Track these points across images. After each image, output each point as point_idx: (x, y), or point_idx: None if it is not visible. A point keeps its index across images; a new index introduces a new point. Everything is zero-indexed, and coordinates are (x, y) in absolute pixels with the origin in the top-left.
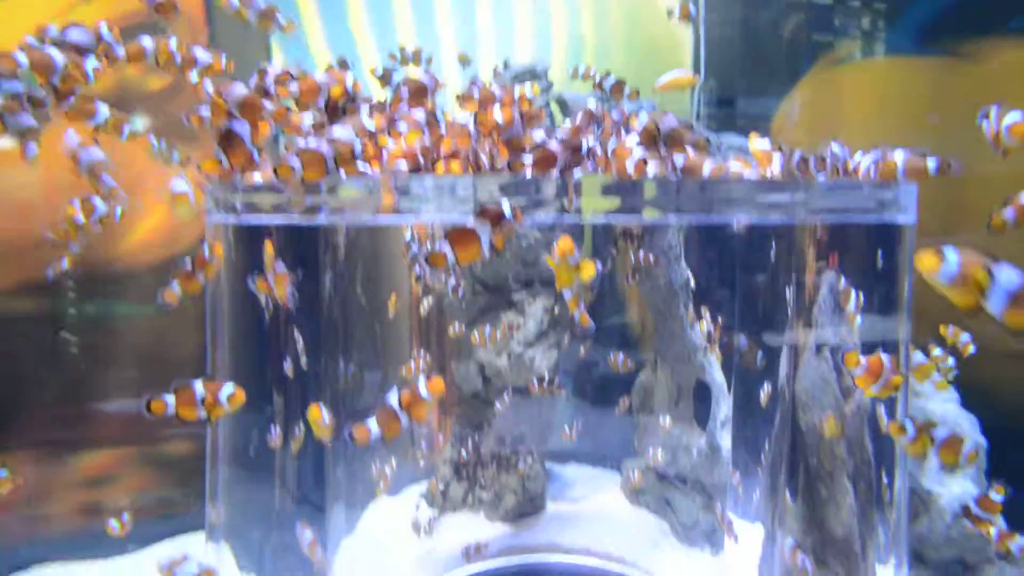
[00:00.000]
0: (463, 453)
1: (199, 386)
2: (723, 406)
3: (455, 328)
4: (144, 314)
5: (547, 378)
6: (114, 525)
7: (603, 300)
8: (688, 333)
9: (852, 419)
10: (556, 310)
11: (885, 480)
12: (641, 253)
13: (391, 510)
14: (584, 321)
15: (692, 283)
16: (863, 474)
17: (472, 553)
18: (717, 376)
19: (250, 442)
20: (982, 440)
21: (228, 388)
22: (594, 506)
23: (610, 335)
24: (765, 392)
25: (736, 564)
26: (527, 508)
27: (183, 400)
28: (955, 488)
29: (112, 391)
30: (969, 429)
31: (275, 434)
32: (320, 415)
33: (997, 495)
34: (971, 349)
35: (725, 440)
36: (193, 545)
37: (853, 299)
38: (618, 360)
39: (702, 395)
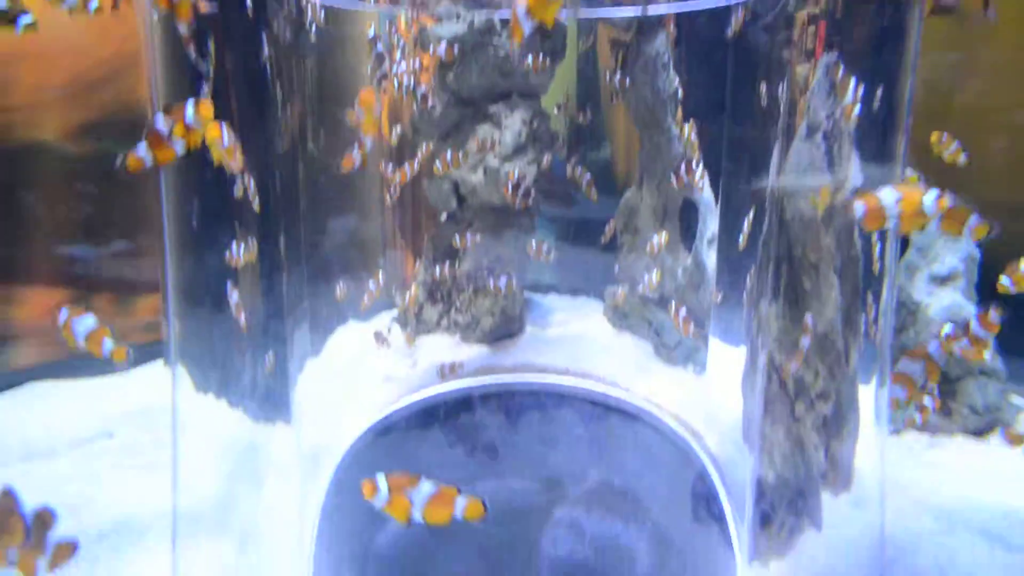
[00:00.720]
0: (437, 275)
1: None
2: (710, 224)
3: (425, 146)
4: None
5: (522, 187)
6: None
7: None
8: (676, 147)
9: (842, 210)
10: (535, 124)
11: (872, 288)
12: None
13: (361, 334)
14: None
15: (680, 93)
16: (850, 272)
17: (447, 372)
18: (705, 193)
19: (205, 263)
20: (975, 251)
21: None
22: (575, 330)
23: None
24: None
25: (719, 381)
26: (505, 330)
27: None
28: (944, 299)
29: None
30: (964, 242)
31: (235, 252)
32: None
33: (996, 315)
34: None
35: (711, 259)
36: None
37: (852, 88)
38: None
39: (689, 214)
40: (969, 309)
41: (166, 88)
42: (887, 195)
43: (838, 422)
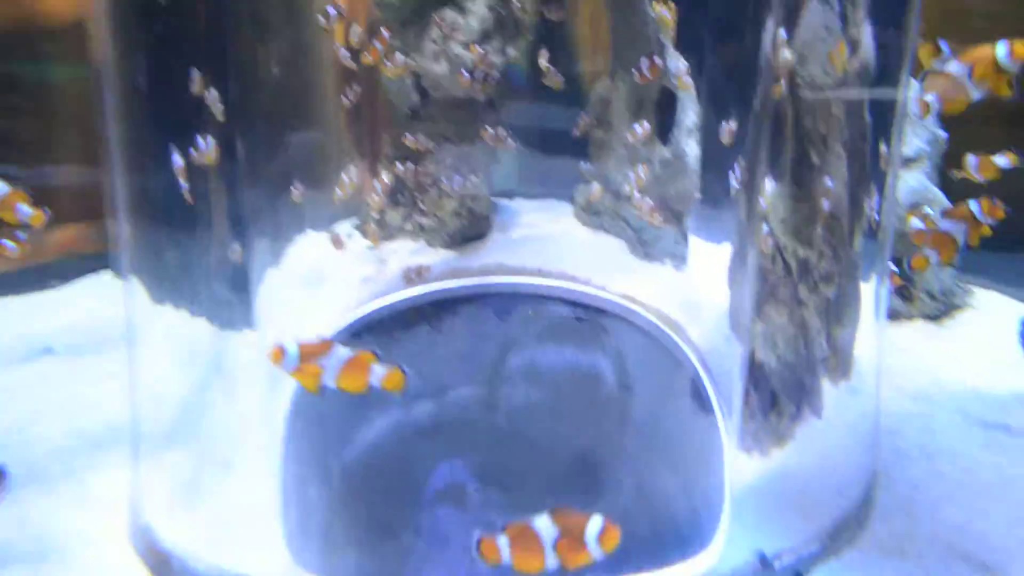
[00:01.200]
0: (399, 178)
1: None
2: (690, 112)
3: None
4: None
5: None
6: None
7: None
8: (652, 29)
9: (854, 80)
10: (502, 9)
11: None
12: None
13: (321, 242)
14: None
15: None
16: (859, 148)
17: (414, 276)
18: (684, 78)
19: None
20: (941, 133)
21: None
22: (545, 231)
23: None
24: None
25: (701, 274)
26: (472, 232)
27: None
28: (910, 181)
29: None
30: (927, 120)
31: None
32: None
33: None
34: None
35: (691, 148)
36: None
37: None
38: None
39: (667, 104)
40: (934, 191)
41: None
42: (954, 67)
43: (840, 307)
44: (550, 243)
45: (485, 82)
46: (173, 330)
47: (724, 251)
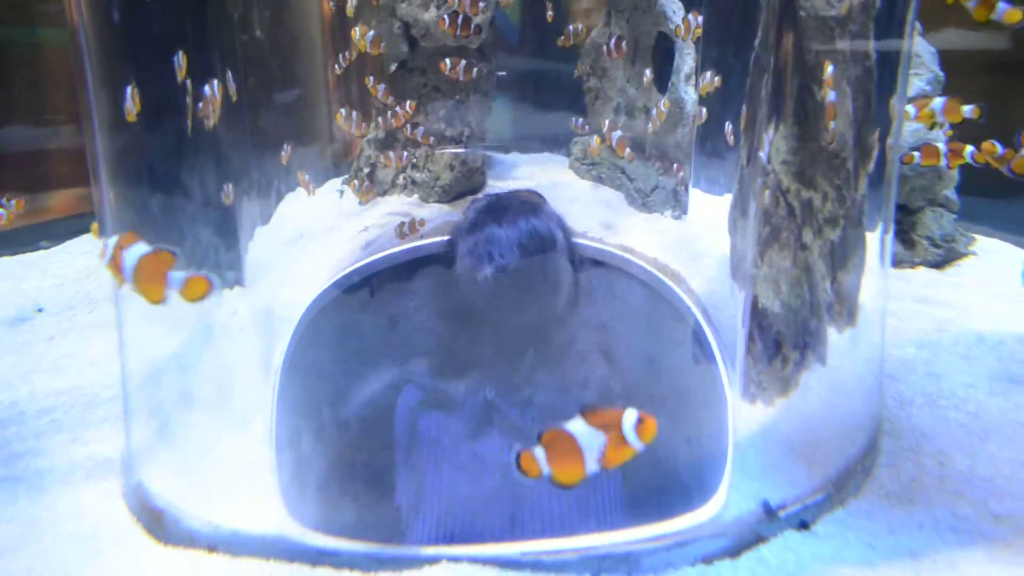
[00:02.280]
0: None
1: None
2: (688, 58)
3: None
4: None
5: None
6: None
7: None
8: None
9: (858, 13)
10: None
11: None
12: None
13: (311, 200)
14: None
15: None
16: (863, 85)
17: (407, 231)
18: (680, 21)
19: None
20: (940, 73)
21: None
22: (541, 183)
23: None
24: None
25: (700, 224)
26: (466, 186)
27: None
28: (911, 123)
29: None
30: (928, 60)
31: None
32: None
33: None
34: None
35: (690, 95)
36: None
37: None
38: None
39: (663, 50)
40: (935, 133)
41: None
42: None
43: (845, 251)
44: (546, 196)
45: (466, 27)
46: None
47: (725, 201)
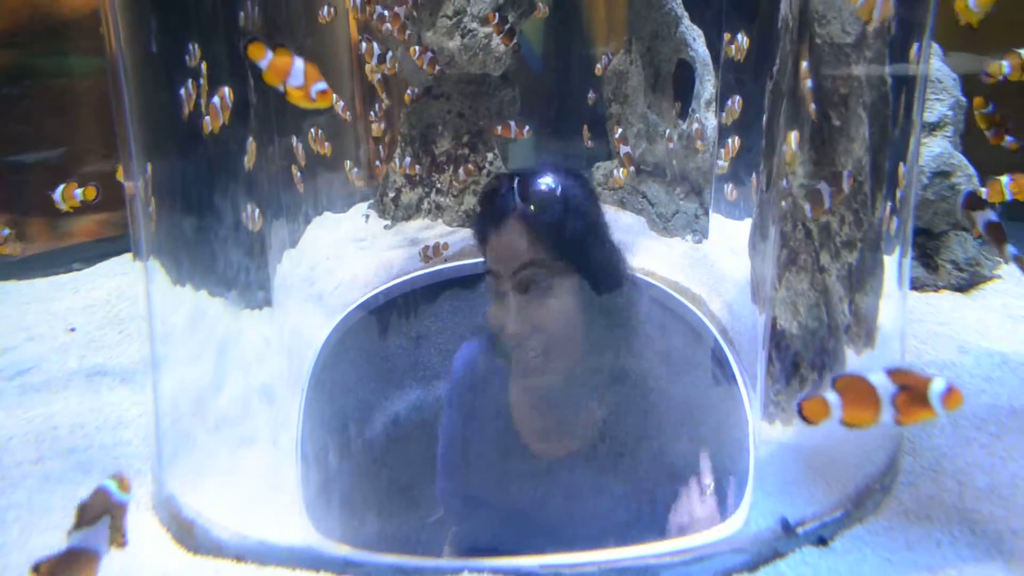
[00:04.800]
0: (414, 157)
1: None
2: (708, 85)
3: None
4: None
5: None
6: None
7: None
8: (668, 2)
9: (874, 40)
10: None
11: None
12: None
13: (338, 223)
14: None
15: None
16: (879, 110)
17: (431, 254)
18: (701, 50)
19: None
20: (962, 98)
21: None
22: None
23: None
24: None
25: (720, 248)
26: None
27: None
28: (934, 147)
29: None
30: (950, 85)
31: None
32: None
33: None
34: None
35: (710, 121)
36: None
37: None
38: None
39: (683, 77)
40: (958, 157)
41: None
42: None
43: (863, 273)
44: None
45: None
46: (193, 309)
47: (745, 225)
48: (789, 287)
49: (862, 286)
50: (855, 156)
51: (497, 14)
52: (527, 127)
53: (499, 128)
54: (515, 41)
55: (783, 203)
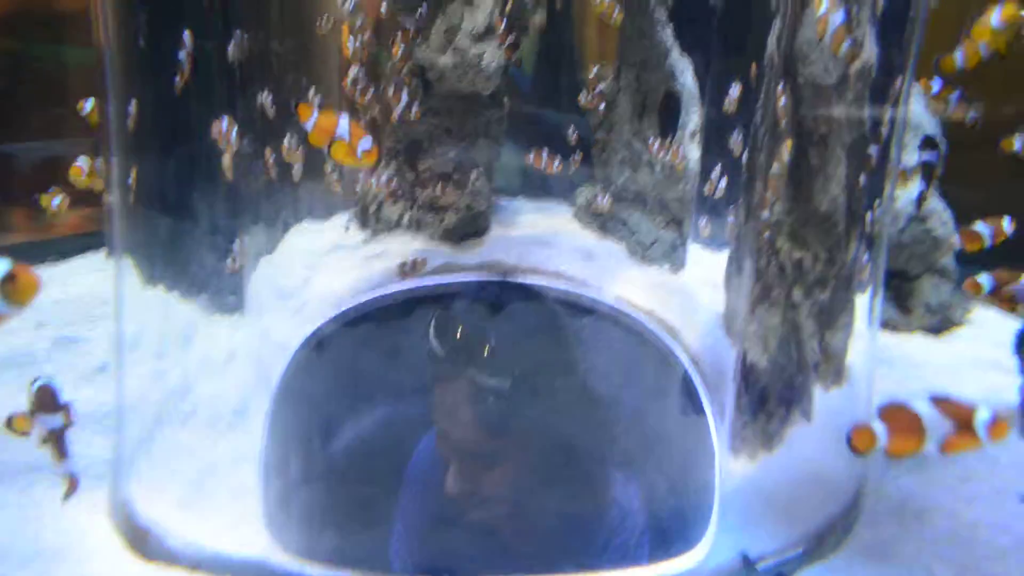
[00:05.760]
0: (398, 171)
1: None
2: (693, 115)
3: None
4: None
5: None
6: None
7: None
8: (659, 32)
9: (856, 81)
10: (508, 2)
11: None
12: None
13: (319, 232)
14: None
15: None
16: (857, 151)
17: (409, 270)
18: (688, 82)
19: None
20: (942, 143)
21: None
22: (543, 230)
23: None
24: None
25: (697, 279)
26: (470, 228)
27: None
28: (912, 191)
29: None
30: (930, 128)
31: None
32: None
33: None
34: None
35: (693, 152)
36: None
37: None
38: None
39: (670, 107)
40: (934, 202)
41: None
42: None
43: (834, 311)
44: (548, 243)
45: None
46: (163, 310)
47: (723, 257)
48: (760, 321)
49: (832, 323)
50: (831, 195)
51: (504, 20)
52: (557, 160)
53: (531, 156)
54: (516, 55)
55: (758, 237)
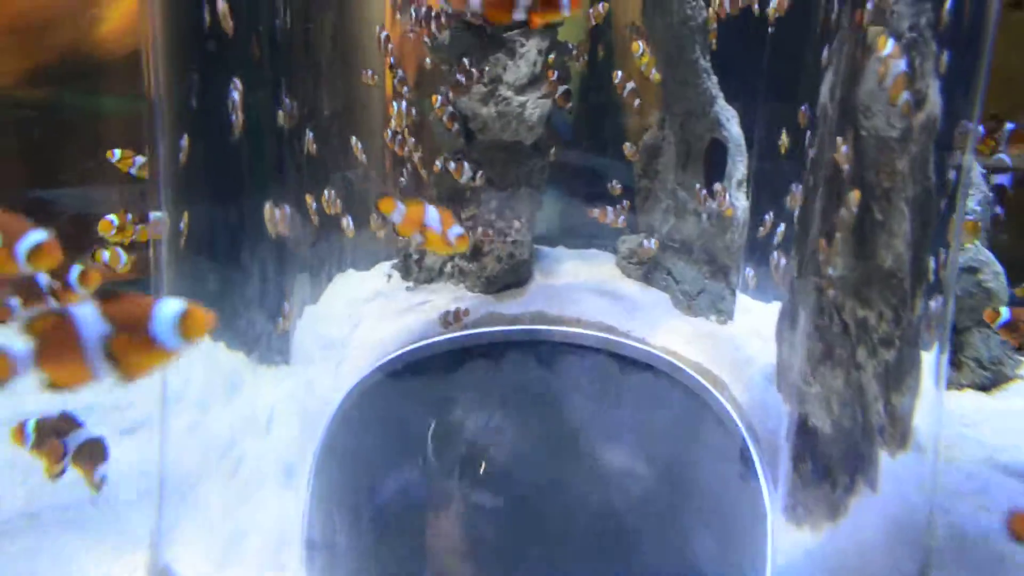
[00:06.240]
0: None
1: None
2: (740, 165)
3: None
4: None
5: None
6: None
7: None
8: (703, 81)
9: (919, 134)
10: (552, 55)
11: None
12: None
13: (360, 282)
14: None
15: (711, 20)
16: (921, 205)
17: (452, 320)
18: (734, 130)
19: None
20: (990, 193)
21: None
22: (586, 279)
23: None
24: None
25: (745, 331)
26: (512, 278)
27: None
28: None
29: None
30: (979, 180)
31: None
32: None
33: None
34: None
35: (741, 201)
36: None
37: None
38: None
39: (716, 155)
40: (985, 253)
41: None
42: None
43: (899, 373)
44: (591, 293)
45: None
46: (209, 361)
47: (771, 308)
48: (823, 383)
49: (898, 385)
50: (896, 251)
51: (556, 72)
52: (623, 217)
53: (595, 211)
54: (570, 104)
55: (822, 295)
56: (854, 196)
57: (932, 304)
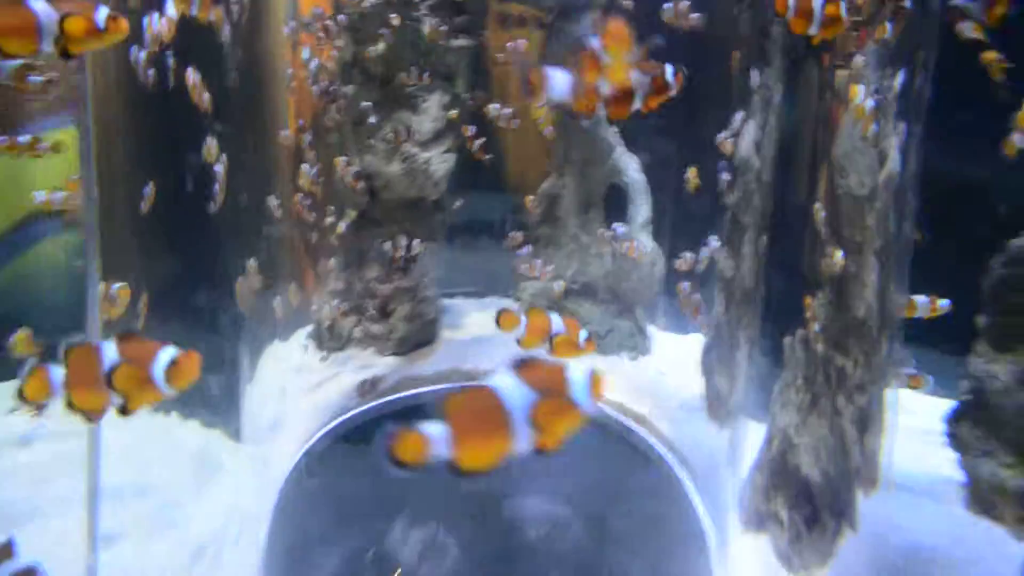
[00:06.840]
0: (347, 283)
1: None
2: (643, 208)
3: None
4: None
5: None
6: None
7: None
8: (602, 131)
9: (883, 191)
10: (454, 110)
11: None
12: None
13: (287, 352)
14: None
15: None
16: (885, 255)
17: (368, 389)
18: (635, 176)
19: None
20: None
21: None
22: (491, 331)
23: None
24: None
25: (665, 363)
26: (421, 337)
27: None
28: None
29: None
30: None
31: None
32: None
33: None
34: None
35: (647, 241)
36: None
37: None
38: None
39: (617, 199)
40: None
41: None
42: None
43: (869, 415)
44: (499, 345)
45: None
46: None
47: (689, 340)
48: (812, 433)
49: (870, 427)
50: (867, 301)
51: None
52: (549, 270)
53: (523, 266)
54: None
55: (807, 349)
56: (837, 253)
57: (890, 346)
